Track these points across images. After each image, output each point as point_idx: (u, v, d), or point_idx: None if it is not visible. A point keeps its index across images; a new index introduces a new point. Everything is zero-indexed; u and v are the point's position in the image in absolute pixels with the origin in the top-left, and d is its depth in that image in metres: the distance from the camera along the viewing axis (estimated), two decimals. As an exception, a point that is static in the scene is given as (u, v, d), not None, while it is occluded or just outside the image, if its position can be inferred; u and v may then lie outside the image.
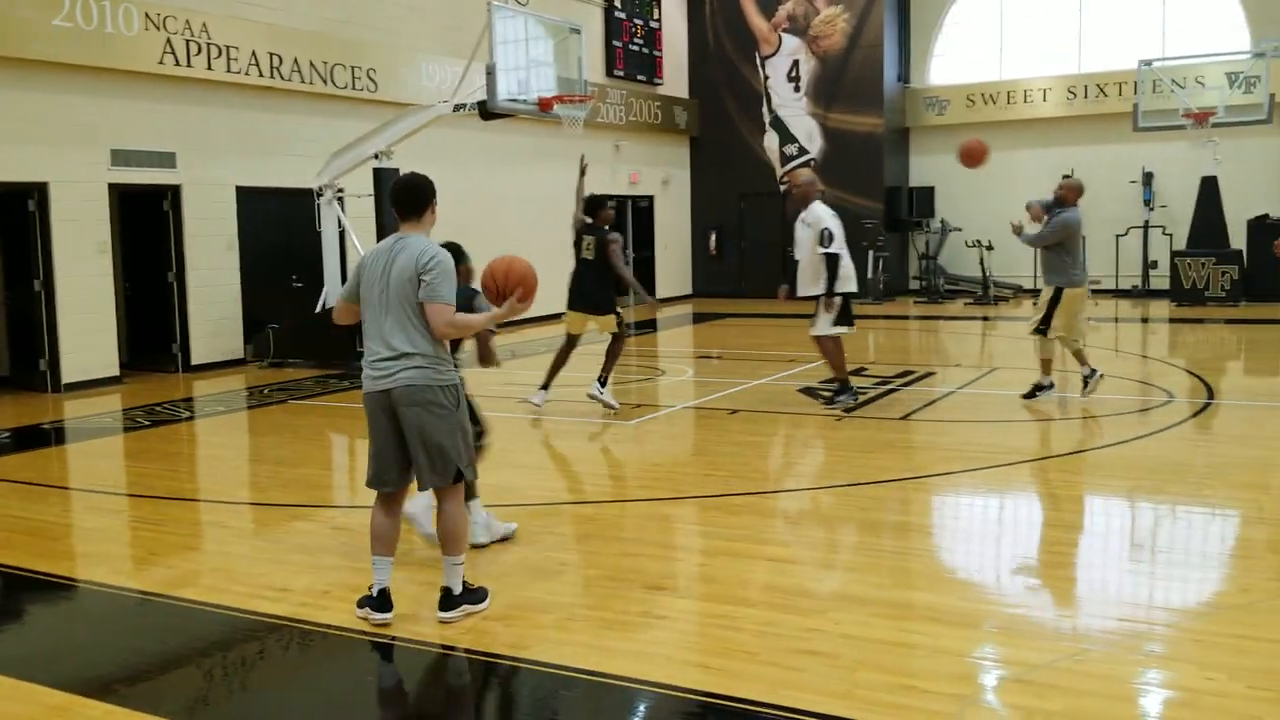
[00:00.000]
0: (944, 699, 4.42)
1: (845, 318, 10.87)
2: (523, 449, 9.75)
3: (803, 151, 25.76)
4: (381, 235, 13.83)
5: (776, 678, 4.65)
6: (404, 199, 5.46)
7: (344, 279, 15.68)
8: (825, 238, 10.62)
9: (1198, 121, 20.96)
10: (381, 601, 5.38)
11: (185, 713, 4.60)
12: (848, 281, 10.82)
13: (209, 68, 14.98)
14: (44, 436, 11.16)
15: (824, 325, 10.83)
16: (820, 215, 10.79)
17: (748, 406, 11.32)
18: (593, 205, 11.17)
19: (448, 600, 5.41)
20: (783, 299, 11.62)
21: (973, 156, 10.99)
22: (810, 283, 10.85)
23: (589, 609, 5.58)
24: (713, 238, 26.60)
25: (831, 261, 10.64)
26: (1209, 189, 21.58)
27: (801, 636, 5.09)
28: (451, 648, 5.13)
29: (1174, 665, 4.76)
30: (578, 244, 11.09)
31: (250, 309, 16.03)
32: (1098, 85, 24.01)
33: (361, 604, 5.43)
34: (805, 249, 10.83)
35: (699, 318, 21.96)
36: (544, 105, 14.21)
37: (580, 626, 5.32)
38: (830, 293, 10.65)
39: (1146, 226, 23.08)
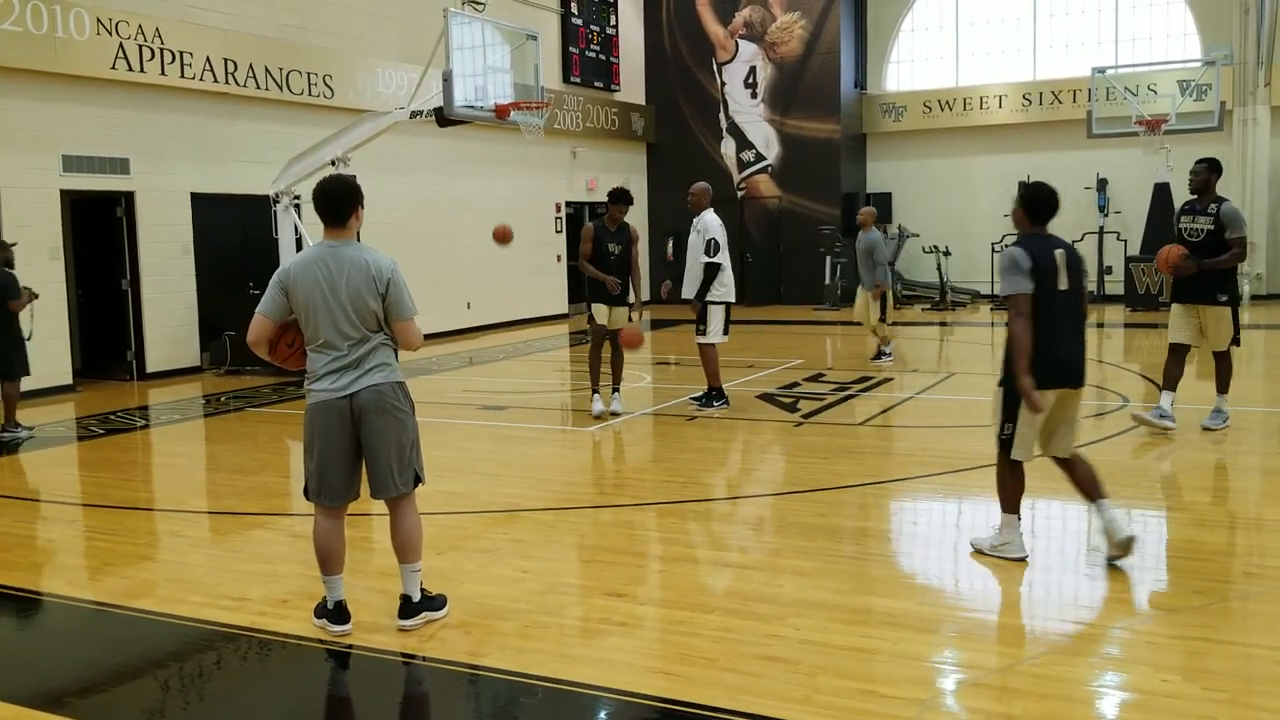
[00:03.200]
0: (903, 703, 4.43)
1: (723, 327, 11.56)
2: (482, 456, 9.72)
3: (760, 158, 25.86)
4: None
5: (736, 683, 4.65)
6: (330, 205, 5.26)
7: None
8: (711, 247, 11.30)
9: (1150, 128, 21.22)
10: (339, 614, 5.33)
11: (141, 725, 4.55)
12: (728, 292, 11.51)
13: (162, 73, 14.86)
14: (-5, 446, 11.02)
15: (714, 334, 11.48)
16: (709, 224, 11.45)
17: (705, 413, 11.33)
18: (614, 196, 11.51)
19: (408, 608, 5.38)
20: (664, 294, 12.49)
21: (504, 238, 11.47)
22: (693, 287, 11.47)
23: (549, 616, 5.56)
24: (670, 244, 26.63)
25: (711, 270, 11.32)
26: (1162, 195, 21.79)
27: (761, 642, 5.10)
28: (412, 656, 5.10)
29: (1129, 668, 4.80)
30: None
31: (206, 316, 15.90)
32: (1052, 92, 24.24)
33: (318, 614, 5.39)
34: (694, 254, 11.46)
35: (656, 324, 21.95)
36: (501, 112, 14.18)
37: (540, 633, 5.31)
38: (700, 298, 11.34)
39: (1101, 232, 23.31)
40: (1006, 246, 5.98)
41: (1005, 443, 6.12)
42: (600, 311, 11.09)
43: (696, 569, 6.40)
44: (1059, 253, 6.00)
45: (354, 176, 5.62)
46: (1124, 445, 9.48)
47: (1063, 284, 5.95)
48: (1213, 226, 9.32)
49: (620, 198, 11.31)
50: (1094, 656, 4.95)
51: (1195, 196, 9.60)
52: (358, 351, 5.18)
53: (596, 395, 11.34)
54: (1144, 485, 8.03)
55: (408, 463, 5.34)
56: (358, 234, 5.45)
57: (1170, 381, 9.83)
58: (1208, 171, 9.52)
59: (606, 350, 11.29)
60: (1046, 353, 5.90)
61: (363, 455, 5.32)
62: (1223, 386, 9.91)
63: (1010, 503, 6.27)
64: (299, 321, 5.26)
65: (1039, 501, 7.89)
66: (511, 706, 4.70)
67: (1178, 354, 9.87)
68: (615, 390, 11.46)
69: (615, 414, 11.26)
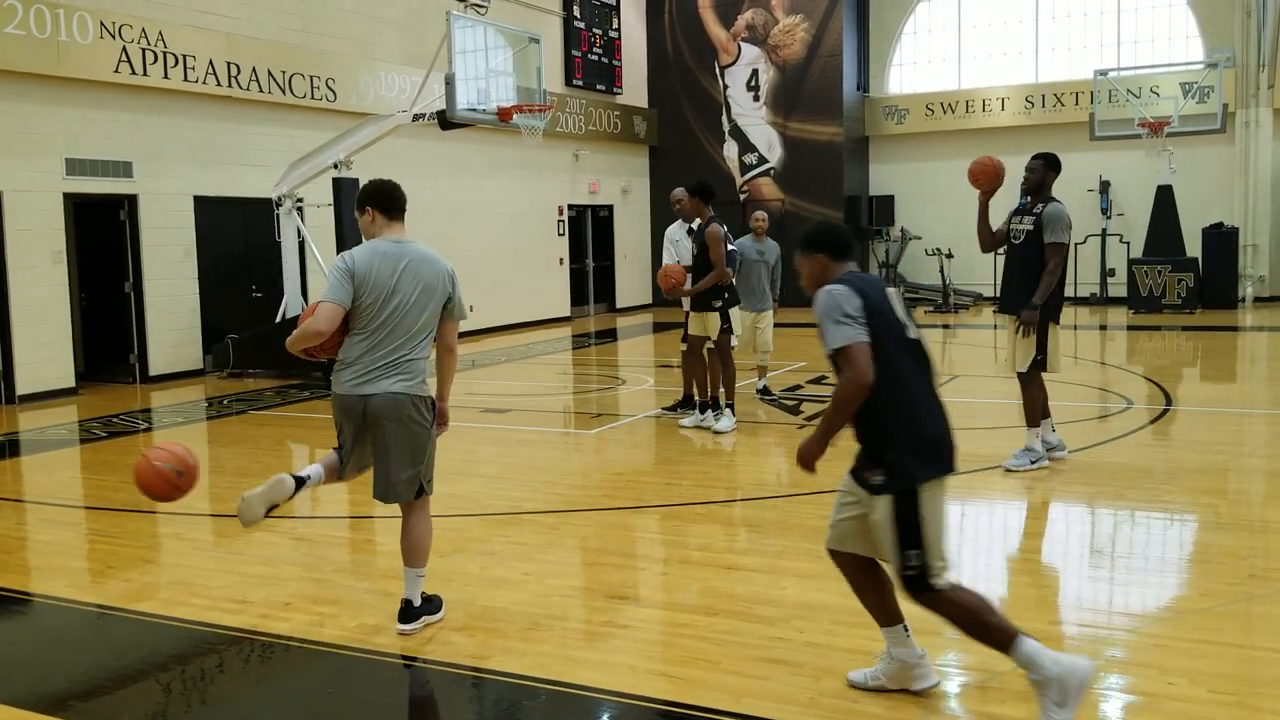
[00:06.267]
0: (907, 706, 4.42)
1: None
2: (485, 459, 9.70)
3: (762, 160, 25.86)
4: (342, 245, 13.75)
5: (740, 686, 4.64)
6: (394, 200, 5.38)
7: (304, 288, 15.60)
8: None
9: (1153, 131, 21.22)
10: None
11: (143, 728, 4.54)
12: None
13: (166, 77, 14.86)
14: (-2, 449, 11.02)
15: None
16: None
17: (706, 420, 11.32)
18: (710, 192, 10.66)
19: (408, 612, 5.38)
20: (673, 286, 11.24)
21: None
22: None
23: (552, 619, 5.55)
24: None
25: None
26: (1164, 198, 21.80)
27: (764, 645, 5.08)
28: (414, 659, 5.09)
29: (1135, 670, 4.79)
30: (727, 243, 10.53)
31: (209, 319, 15.90)
32: (1055, 95, 24.25)
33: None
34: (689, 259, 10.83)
35: (659, 327, 21.95)
36: (503, 115, 14.18)
37: (543, 636, 5.30)
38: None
39: (1104, 235, 23.29)
40: (825, 288, 4.31)
41: (914, 576, 4.28)
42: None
43: (699, 572, 6.38)
44: (891, 291, 4.45)
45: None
46: (1128, 447, 9.46)
47: (911, 332, 4.41)
48: (1032, 228, 8.35)
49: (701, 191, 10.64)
50: (1099, 659, 4.92)
51: (1029, 195, 8.62)
52: (395, 353, 5.20)
53: (730, 409, 10.67)
54: (1148, 487, 8.00)
55: (415, 473, 5.32)
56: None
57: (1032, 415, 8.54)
58: (1043, 169, 8.60)
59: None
60: (919, 430, 4.32)
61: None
62: (1029, 418, 8.49)
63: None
64: (359, 311, 5.20)
65: (1046, 503, 7.88)
66: (514, 709, 4.69)
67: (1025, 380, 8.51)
68: (727, 405, 10.73)
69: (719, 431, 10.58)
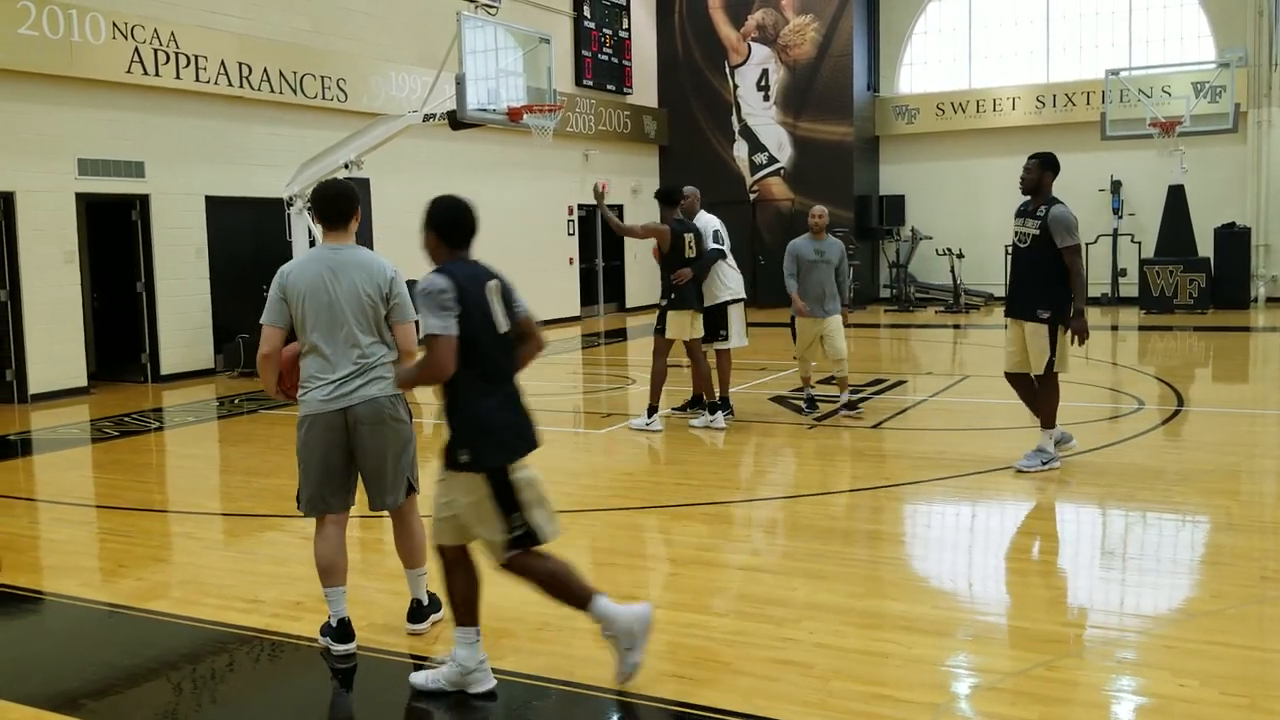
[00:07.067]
0: (918, 708, 4.42)
1: (743, 328, 11.27)
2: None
3: (772, 160, 25.85)
4: (352, 245, 13.75)
5: (750, 687, 4.64)
6: (331, 206, 5.24)
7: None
8: (715, 236, 10.90)
9: (1164, 130, 21.18)
10: (342, 631, 5.20)
11: (154, 727, 4.56)
12: (740, 288, 11.14)
13: (177, 77, 14.90)
14: (11, 448, 11.04)
15: (737, 338, 11.08)
16: (708, 221, 11.00)
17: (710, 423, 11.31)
18: (674, 196, 10.74)
19: (418, 612, 5.40)
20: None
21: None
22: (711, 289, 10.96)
23: (562, 619, 5.54)
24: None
25: (715, 256, 10.84)
26: (1176, 197, 21.74)
27: (775, 646, 5.08)
28: (423, 658, 5.10)
29: (1147, 672, 4.77)
30: (677, 244, 10.49)
31: (220, 319, 15.93)
32: (1066, 94, 24.20)
33: (323, 632, 5.30)
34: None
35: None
36: (513, 115, 14.18)
37: (553, 636, 5.30)
38: (698, 283, 10.70)
39: (1115, 235, 23.24)
40: (431, 272, 4.48)
41: (517, 539, 4.54)
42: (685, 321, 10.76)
43: (709, 572, 6.39)
44: (493, 284, 4.58)
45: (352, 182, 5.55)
46: (1140, 448, 9.44)
47: (502, 326, 4.57)
48: (1038, 231, 8.26)
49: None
50: (1110, 660, 4.92)
51: (1028, 197, 8.50)
52: (356, 360, 5.08)
53: (723, 410, 10.84)
54: (1160, 489, 7.98)
55: (402, 475, 5.29)
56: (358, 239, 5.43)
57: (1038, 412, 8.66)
58: (1039, 168, 8.40)
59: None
60: (502, 417, 4.54)
61: (356, 466, 5.25)
62: (1044, 419, 8.56)
63: None
64: (295, 327, 5.14)
65: (1057, 504, 7.87)
66: (524, 709, 4.69)
67: (1019, 383, 8.79)
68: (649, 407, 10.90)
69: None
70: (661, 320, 10.65)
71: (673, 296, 10.51)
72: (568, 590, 4.65)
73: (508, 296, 4.64)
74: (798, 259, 10.87)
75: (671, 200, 10.69)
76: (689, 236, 10.54)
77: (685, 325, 10.53)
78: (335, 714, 4.86)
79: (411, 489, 5.38)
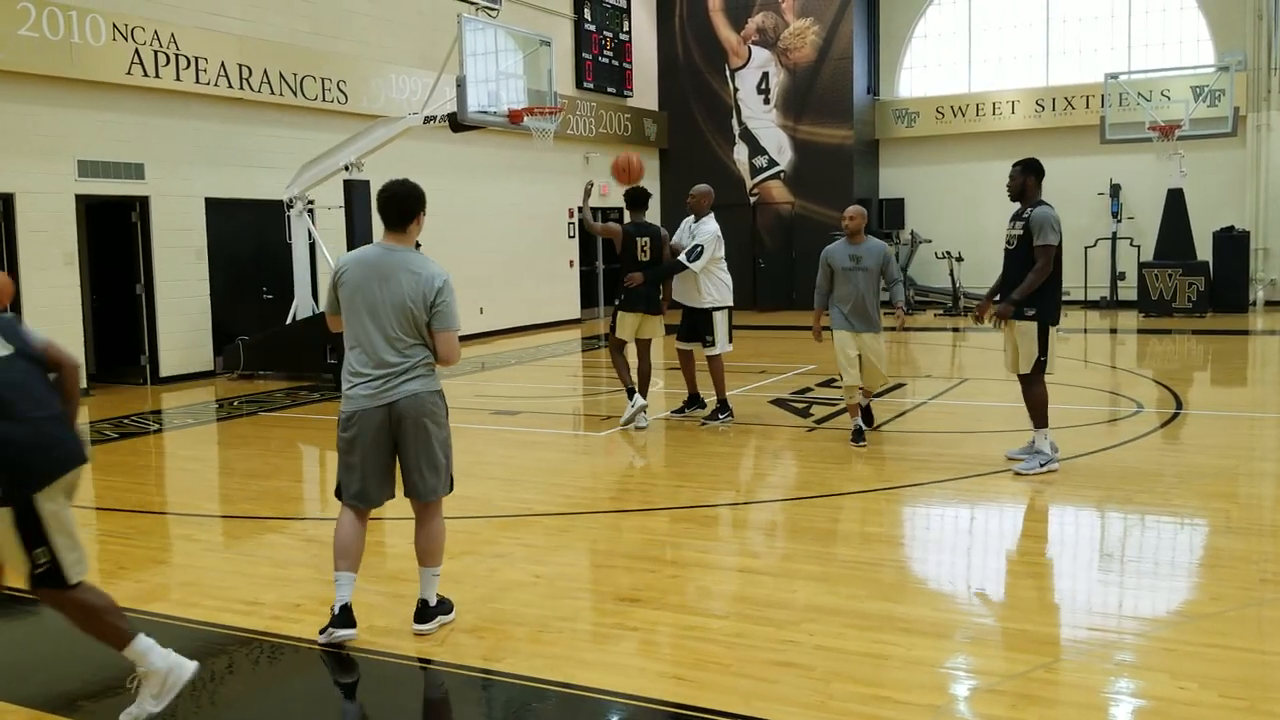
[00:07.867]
0: (917, 710, 4.42)
1: (729, 334, 11.36)
2: (495, 460, 9.72)
3: (772, 163, 25.85)
4: (352, 247, 13.76)
5: (750, 689, 4.64)
6: (393, 208, 5.30)
7: (315, 291, 15.62)
8: (693, 252, 10.87)
9: (1163, 134, 21.19)
10: (345, 617, 5.24)
11: (154, 728, 4.55)
12: (729, 294, 11.27)
13: (178, 79, 14.90)
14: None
15: (723, 343, 11.16)
16: (707, 231, 10.99)
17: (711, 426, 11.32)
18: (642, 199, 11.18)
19: (424, 612, 5.39)
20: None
21: (625, 172, 11.61)
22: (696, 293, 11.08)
23: (562, 621, 5.56)
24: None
25: (672, 269, 10.99)
26: (1175, 201, 21.75)
27: (775, 648, 5.08)
28: (425, 660, 5.10)
29: (1146, 675, 4.78)
30: (629, 246, 10.89)
31: (220, 321, 15.93)
32: (1065, 98, 24.23)
33: (324, 630, 5.30)
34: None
35: (668, 329, 21.91)
36: (514, 117, 14.20)
37: (553, 638, 5.30)
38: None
39: (1114, 238, 23.25)
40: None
41: (45, 572, 4.25)
42: (633, 323, 11.08)
43: (709, 574, 6.39)
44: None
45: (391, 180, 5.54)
46: (1138, 451, 9.44)
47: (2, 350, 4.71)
48: (1022, 233, 8.46)
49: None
50: (1109, 663, 4.92)
51: (1016, 201, 8.70)
52: (397, 358, 5.16)
53: (639, 398, 11.06)
54: (1158, 491, 7.99)
55: (444, 470, 5.36)
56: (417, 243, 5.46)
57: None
58: (1022, 174, 8.59)
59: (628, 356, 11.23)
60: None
61: (397, 459, 5.33)
62: (1035, 419, 8.56)
63: None
64: (342, 316, 5.27)
65: (1056, 507, 7.87)
66: (524, 711, 4.70)
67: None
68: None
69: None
70: (613, 320, 11.18)
71: (622, 298, 10.92)
72: (105, 629, 4.41)
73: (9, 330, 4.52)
74: (830, 266, 10.15)
75: (638, 203, 11.12)
76: (642, 240, 10.88)
77: (632, 326, 10.98)
78: (335, 716, 4.86)
79: (450, 485, 5.44)
